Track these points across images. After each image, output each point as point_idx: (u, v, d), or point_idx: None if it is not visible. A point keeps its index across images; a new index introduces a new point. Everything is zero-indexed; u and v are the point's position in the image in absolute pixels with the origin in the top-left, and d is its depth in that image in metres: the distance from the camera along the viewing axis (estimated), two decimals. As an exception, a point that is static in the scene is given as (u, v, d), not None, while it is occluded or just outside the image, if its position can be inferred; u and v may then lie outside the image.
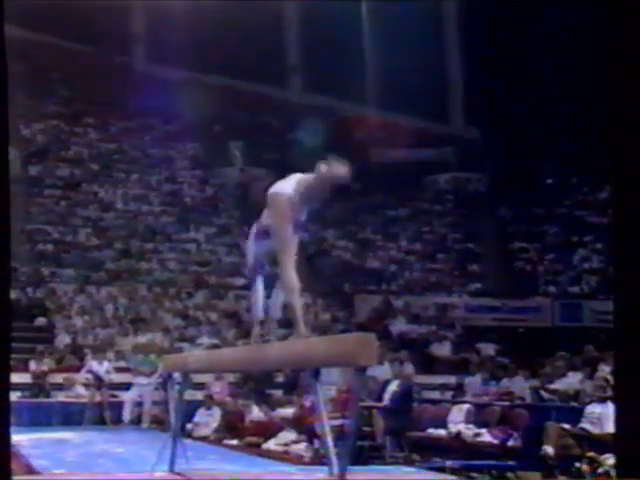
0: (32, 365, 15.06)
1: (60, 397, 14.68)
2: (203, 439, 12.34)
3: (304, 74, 29.87)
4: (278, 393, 14.34)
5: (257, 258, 5.37)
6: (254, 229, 5.44)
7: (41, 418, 13.77)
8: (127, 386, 14.81)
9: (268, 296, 5.41)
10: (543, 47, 25.83)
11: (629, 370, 3.12)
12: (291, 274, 4.84)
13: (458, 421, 10.20)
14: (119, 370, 15.38)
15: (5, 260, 3.09)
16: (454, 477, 8.35)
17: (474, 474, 8.89)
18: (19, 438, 10.64)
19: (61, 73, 26.96)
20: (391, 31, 26.31)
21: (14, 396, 13.60)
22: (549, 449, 8.40)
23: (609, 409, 7.98)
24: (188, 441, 9.81)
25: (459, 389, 13.50)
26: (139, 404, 14.70)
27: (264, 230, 5.28)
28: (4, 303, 3.06)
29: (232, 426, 12.51)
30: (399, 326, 19.23)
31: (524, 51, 26.32)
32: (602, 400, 8.45)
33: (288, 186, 5.03)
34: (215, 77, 28.53)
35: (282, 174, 5.75)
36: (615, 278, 3.27)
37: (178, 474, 7.23)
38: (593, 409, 8.62)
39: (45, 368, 15.00)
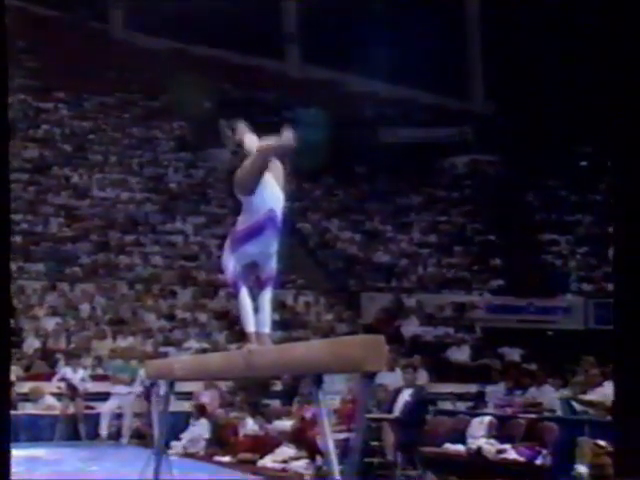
0: (-3, 373, 15.06)
1: (28, 409, 14.69)
2: (191, 455, 12.37)
3: (303, 44, 29.83)
4: (275, 403, 14.37)
5: (244, 266, 5.45)
6: (228, 241, 5.58)
7: (7, 432, 13.76)
8: (105, 396, 14.83)
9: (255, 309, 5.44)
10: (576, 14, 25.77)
11: (630, 377, 3.19)
12: None
13: (479, 435, 10.20)
14: (96, 378, 15.38)
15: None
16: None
17: (497, 495, 8.91)
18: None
19: (29, 41, 26.92)
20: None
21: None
22: (582, 468, 8.41)
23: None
24: (174, 457, 9.81)
25: (480, 399, 13.52)
26: (118, 416, 14.72)
27: (249, 231, 5.43)
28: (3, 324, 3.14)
29: (224, 440, 12.53)
30: (411, 328, 19.24)
31: (554, 15, 26.26)
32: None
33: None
34: (204, 47, 28.52)
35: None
36: (616, 282, 3.33)
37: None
38: (632, 422, 8.61)
39: (12, 376, 15.02)
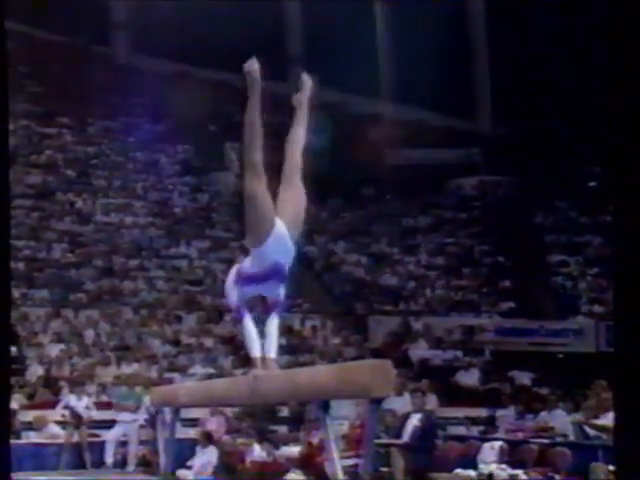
0: None
1: (32, 438, 14.66)
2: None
3: (308, 65, 29.90)
4: (282, 429, 14.33)
5: (245, 300, 5.42)
6: (233, 274, 5.53)
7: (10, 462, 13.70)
8: (109, 424, 14.81)
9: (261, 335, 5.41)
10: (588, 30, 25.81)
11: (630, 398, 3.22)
12: None
13: (490, 461, 10.17)
14: (100, 405, 15.36)
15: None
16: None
17: (509, 522, 8.86)
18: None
19: (32, 66, 27.07)
20: (407, 15, 26.37)
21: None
22: (596, 494, 8.36)
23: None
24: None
25: (490, 424, 13.49)
26: (123, 444, 14.68)
27: (254, 277, 5.37)
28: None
29: (230, 467, 12.48)
30: (420, 352, 19.20)
31: (564, 36, 26.32)
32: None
33: None
34: (208, 70, 28.62)
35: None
36: (616, 304, 3.35)
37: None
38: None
39: (15, 405, 14.98)
